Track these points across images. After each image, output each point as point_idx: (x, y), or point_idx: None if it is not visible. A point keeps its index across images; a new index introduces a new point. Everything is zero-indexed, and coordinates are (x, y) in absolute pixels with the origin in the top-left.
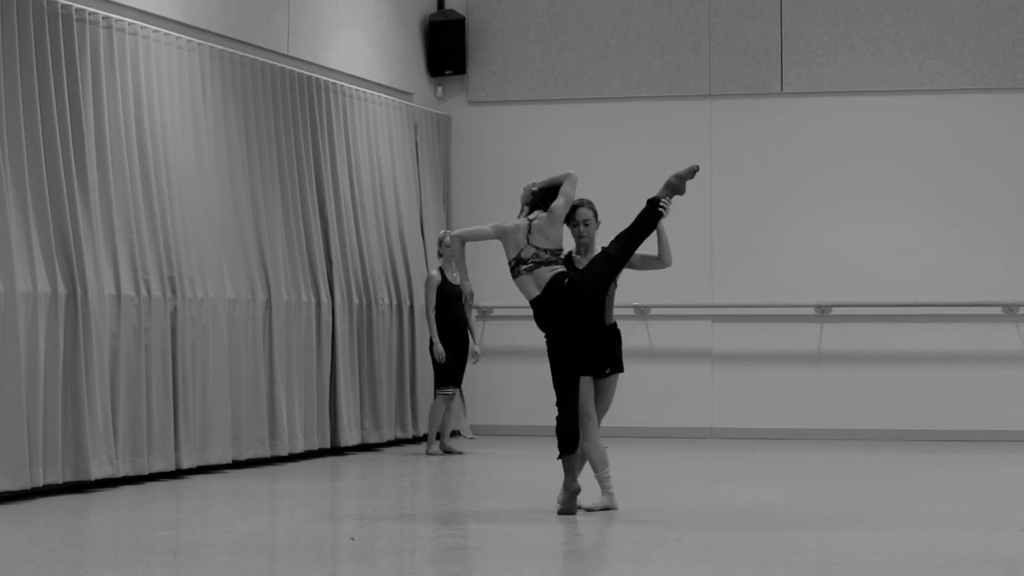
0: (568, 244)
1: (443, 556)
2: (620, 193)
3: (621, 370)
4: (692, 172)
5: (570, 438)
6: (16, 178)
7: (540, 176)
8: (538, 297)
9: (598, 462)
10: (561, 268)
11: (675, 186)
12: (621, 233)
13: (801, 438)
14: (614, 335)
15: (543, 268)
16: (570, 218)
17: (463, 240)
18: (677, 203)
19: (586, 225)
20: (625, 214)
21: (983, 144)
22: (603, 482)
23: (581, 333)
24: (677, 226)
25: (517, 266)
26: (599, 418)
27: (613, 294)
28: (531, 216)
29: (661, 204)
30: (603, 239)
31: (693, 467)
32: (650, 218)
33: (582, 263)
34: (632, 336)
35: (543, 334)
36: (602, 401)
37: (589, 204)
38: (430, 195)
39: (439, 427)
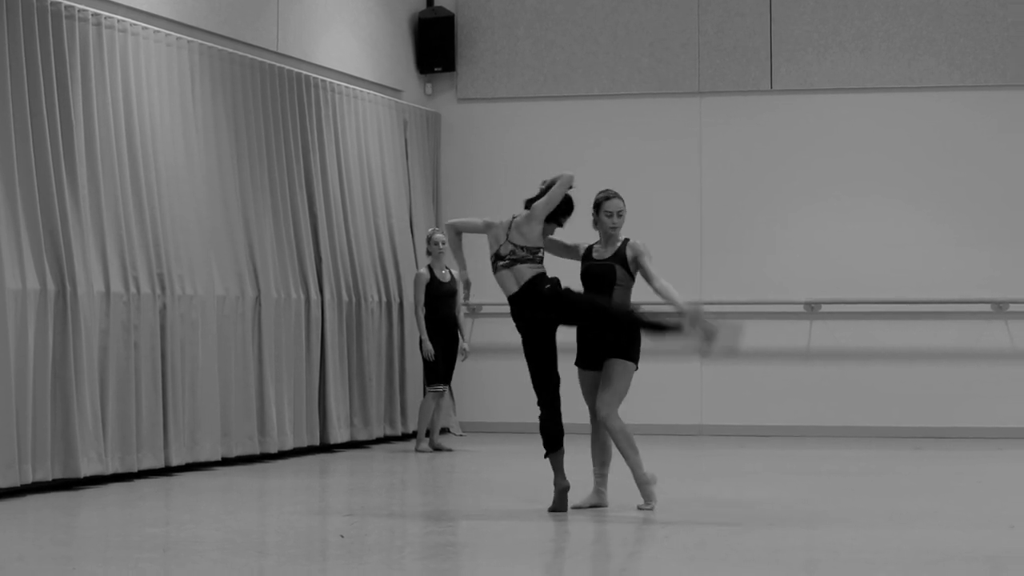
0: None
1: (432, 553)
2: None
3: (623, 357)
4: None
5: (553, 436)
6: (5, 175)
7: (532, 174)
8: (516, 294)
9: (598, 457)
10: (542, 269)
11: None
12: (601, 304)
13: (790, 435)
14: (623, 325)
15: (522, 265)
16: (599, 209)
17: (457, 230)
18: (667, 200)
19: (619, 216)
20: None
21: (972, 141)
22: (597, 479)
23: (552, 335)
24: (666, 222)
25: (496, 261)
26: (607, 406)
27: (630, 286)
28: (516, 213)
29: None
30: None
31: (682, 464)
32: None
33: (604, 254)
34: None
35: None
36: (600, 388)
37: (620, 196)
38: (419, 192)
39: (428, 424)
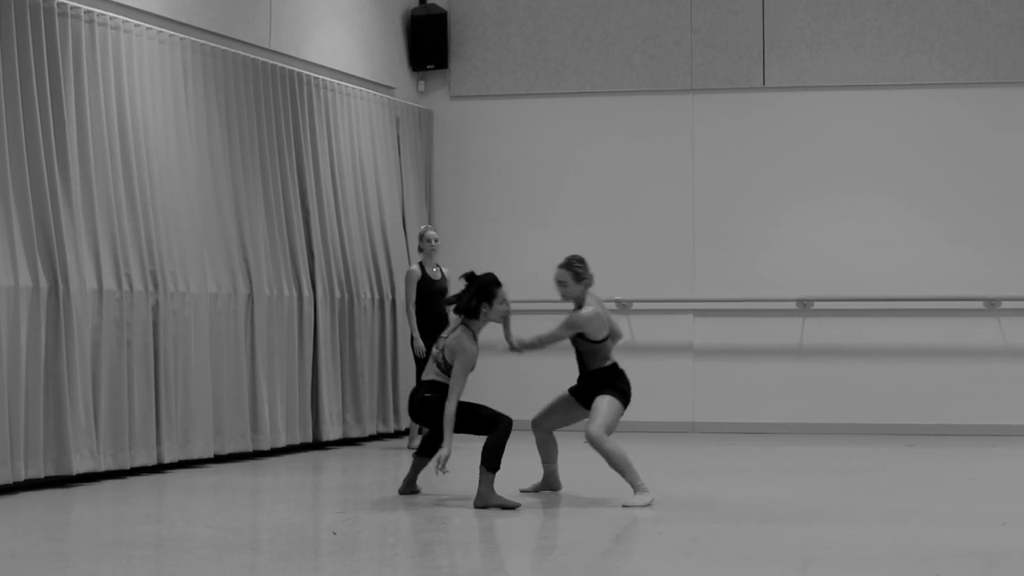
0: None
1: (425, 550)
2: (601, 187)
3: (610, 394)
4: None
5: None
6: None
7: (524, 170)
8: None
9: (545, 456)
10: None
11: None
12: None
13: (783, 432)
14: (602, 376)
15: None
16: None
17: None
18: (660, 197)
19: (561, 285)
20: (606, 208)
21: (965, 139)
22: (546, 467)
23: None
24: (658, 219)
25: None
26: (597, 429)
27: (593, 349)
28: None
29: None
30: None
31: (675, 461)
32: None
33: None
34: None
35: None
36: (589, 419)
37: (566, 266)
38: (412, 189)
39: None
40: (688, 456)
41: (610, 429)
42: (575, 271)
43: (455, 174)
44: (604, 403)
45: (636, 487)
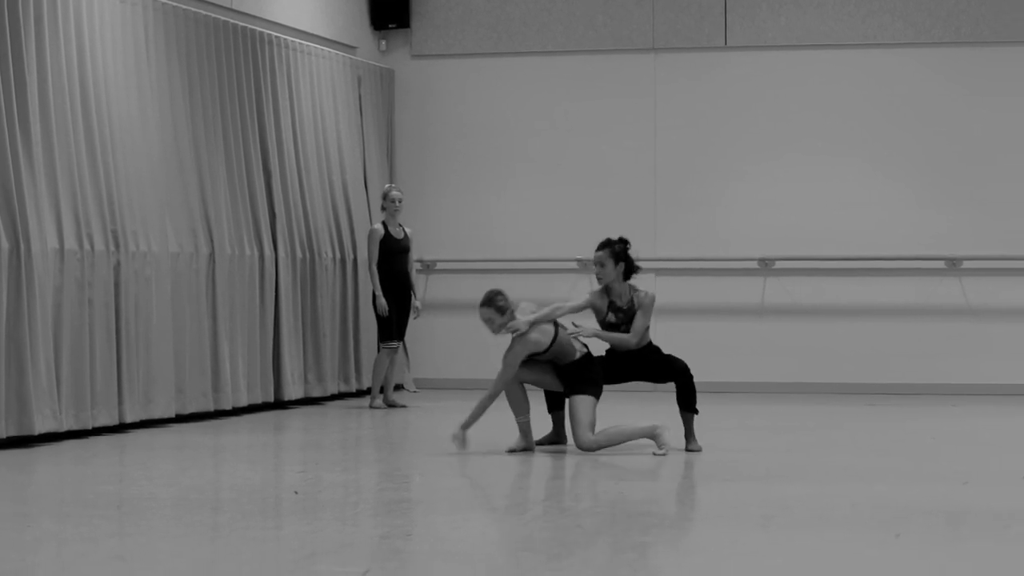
0: None
1: (386, 509)
2: (562, 146)
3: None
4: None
5: None
6: None
7: (486, 130)
8: None
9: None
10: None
11: None
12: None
13: (744, 391)
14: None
15: None
16: None
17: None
18: (621, 156)
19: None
20: (567, 167)
21: (926, 98)
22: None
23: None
24: (621, 179)
25: None
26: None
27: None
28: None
29: None
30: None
31: (635, 421)
32: None
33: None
34: (575, 290)
35: (488, 290)
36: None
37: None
38: (374, 149)
39: (383, 381)
40: (649, 416)
41: (592, 426)
42: (497, 305)
43: (416, 134)
44: (579, 404)
45: (653, 435)
